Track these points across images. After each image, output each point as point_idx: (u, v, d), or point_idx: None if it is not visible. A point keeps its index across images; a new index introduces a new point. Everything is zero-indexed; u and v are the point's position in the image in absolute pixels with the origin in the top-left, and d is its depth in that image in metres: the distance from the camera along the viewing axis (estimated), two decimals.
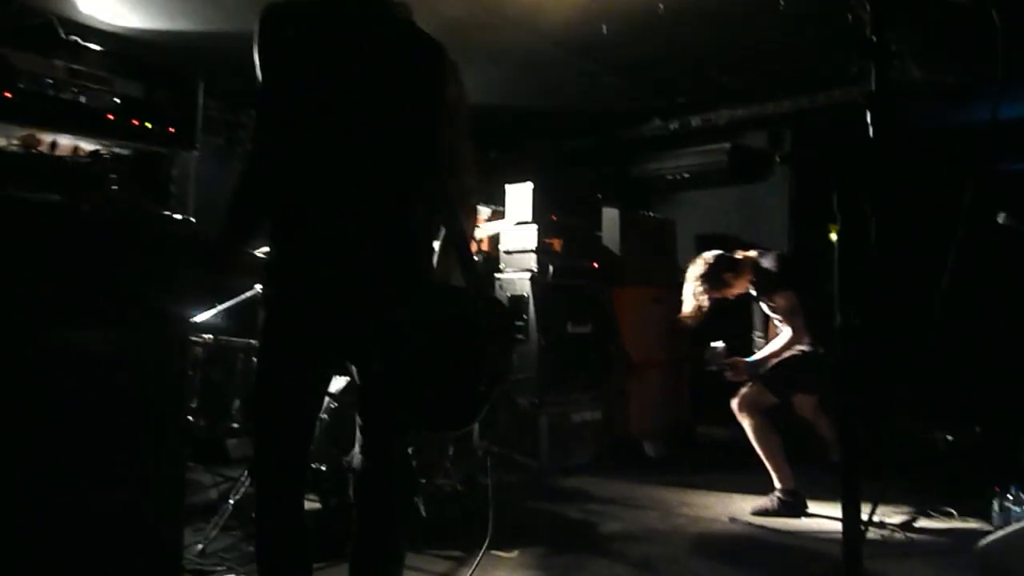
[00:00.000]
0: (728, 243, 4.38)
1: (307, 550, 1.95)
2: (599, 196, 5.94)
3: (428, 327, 1.97)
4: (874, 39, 1.45)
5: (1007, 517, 3.36)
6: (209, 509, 3.28)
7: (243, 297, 3.40)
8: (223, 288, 3.39)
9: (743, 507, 4.02)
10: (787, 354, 4.00)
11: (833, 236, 1.48)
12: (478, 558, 2.89)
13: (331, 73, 1.87)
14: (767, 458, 3.96)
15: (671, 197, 7.42)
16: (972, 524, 3.69)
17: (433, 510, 3.40)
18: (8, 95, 2.36)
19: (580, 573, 3.09)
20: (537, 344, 4.98)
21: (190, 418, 3.12)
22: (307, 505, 3.15)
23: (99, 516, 2.28)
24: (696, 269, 4.15)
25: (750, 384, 4.02)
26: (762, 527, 3.77)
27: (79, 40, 2.58)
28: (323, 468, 3.32)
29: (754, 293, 4.15)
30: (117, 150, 2.62)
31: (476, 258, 2.24)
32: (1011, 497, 3.39)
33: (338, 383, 3.42)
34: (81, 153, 2.54)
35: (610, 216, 5.78)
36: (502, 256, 5.31)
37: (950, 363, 4.07)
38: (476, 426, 3.76)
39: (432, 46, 2.00)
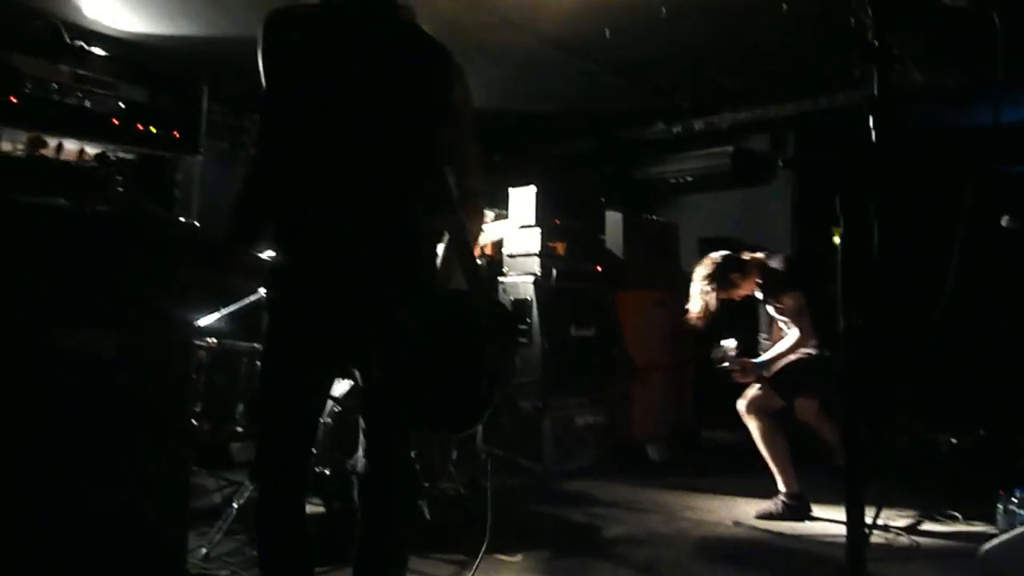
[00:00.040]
0: (732, 246, 4.37)
1: (309, 553, 1.95)
2: (602, 199, 5.95)
3: (428, 328, 1.98)
4: (876, 43, 1.45)
5: (1012, 520, 3.34)
6: (213, 513, 3.28)
7: (247, 301, 3.41)
8: (225, 289, 3.39)
9: (747, 511, 4.02)
10: (793, 356, 3.99)
11: (836, 239, 1.48)
12: (476, 562, 2.89)
13: (331, 73, 1.88)
14: (773, 461, 3.95)
15: (674, 200, 7.42)
16: (977, 527, 3.67)
17: (436, 513, 3.40)
18: (13, 100, 2.38)
19: None
20: (540, 348, 4.98)
21: (194, 422, 3.12)
22: (311, 509, 3.17)
23: (102, 520, 2.28)
24: (703, 269, 4.15)
25: (758, 387, 4.01)
26: (766, 531, 3.76)
27: (84, 45, 2.60)
28: (327, 472, 3.33)
29: (760, 295, 4.14)
30: (122, 155, 2.64)
31: (479, 261, 2.25)
32: (1015, 500, 3.38)
33: (342, 387, 3.42)
34: (86, 157, 2.56)
35: (613, 219, 5.78)
36: (505, 260, 5.31)
37: (953, 365, 4.05)
38: (479, 429, 3.76)
39: (434, 47, 2.00)
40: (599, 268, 5.58)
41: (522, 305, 5.09)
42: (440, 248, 2.14)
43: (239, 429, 3.25)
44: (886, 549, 3.39)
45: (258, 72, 1.87)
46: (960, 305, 1.75)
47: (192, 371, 2.96)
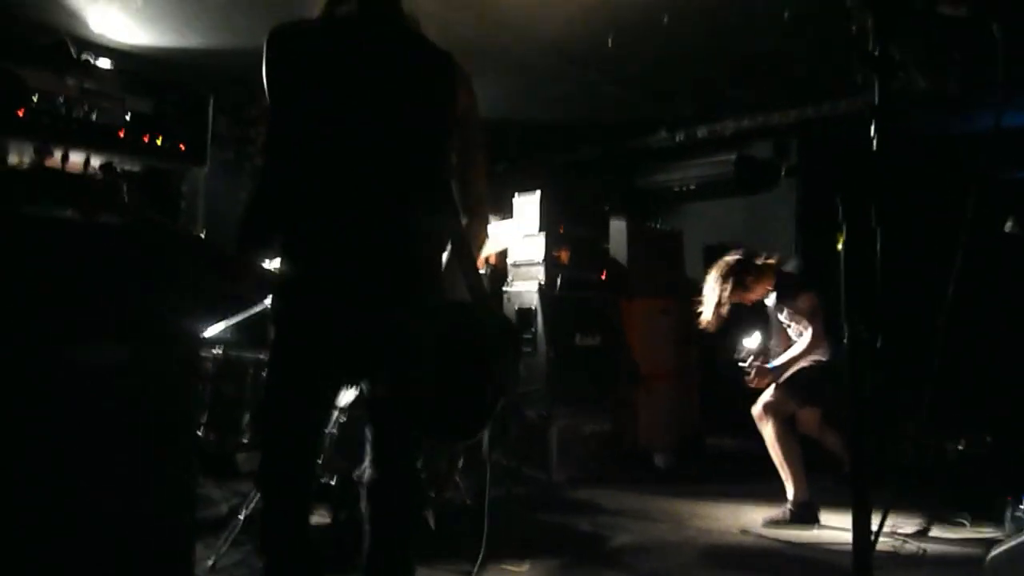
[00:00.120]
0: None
1: (314, 563, 1.95)
2: (606, 207, 5.95)
3: (433, 337, 1.98)
4: (877, 50, 1.46)
5: (1019, 526, 3.33)
6: (220, 524, 3.28)
7: (253, 311, 3.41)
8: (232, 297, 3.39)
9: (754, 518, 4.00)
10: (805, 363, 3.98)
11: (840, 246, 1.49)
12: (475, 568, 2.88)
13: (335, 85, 1.89)
14: (786, 466, 3.93)
15: (678, 208, 7.43)
16: (985, 534, 3.66)
17: (443, 523, 3.39)
18: (21, 113, 2.40)
19: None
20: (545, 356, 4.98)
21: (200, 432, 3.13)
22: (317, 519, 3.17)
23: (108, 529, 2.28)
24: (717, 271, 4.14)
25: (772, 392, 4.00)
26: (774, 539, 3.74)
27: (90, 58, 2.62)
28: (332, 482, 3.33)
29: (770, 301, 4.14)
30: (128, 166, 2.65)
31: (482, 271, 2.25)
32: (1023, 506, 3.37)
33: (347, 396, 3.42)
34: (92, 168, 2.58)
35: (617, 227, 5.78)
36: (510, 268, 5.32)
37: (959, 371, 4.04)
38: (485, 439, 3.76)
39: (435, 51, 2.01)
40: (603, 276, 5.58)
41: (527, 314, 5.09)
42: (445, 255, 2.15)
43: (245, 440, 3.24)
44: (894, 556, 3.37)
45: (262, 85, 1.88)
46: (965, 311, 1.75)
47: (199, 380, 2.97)
